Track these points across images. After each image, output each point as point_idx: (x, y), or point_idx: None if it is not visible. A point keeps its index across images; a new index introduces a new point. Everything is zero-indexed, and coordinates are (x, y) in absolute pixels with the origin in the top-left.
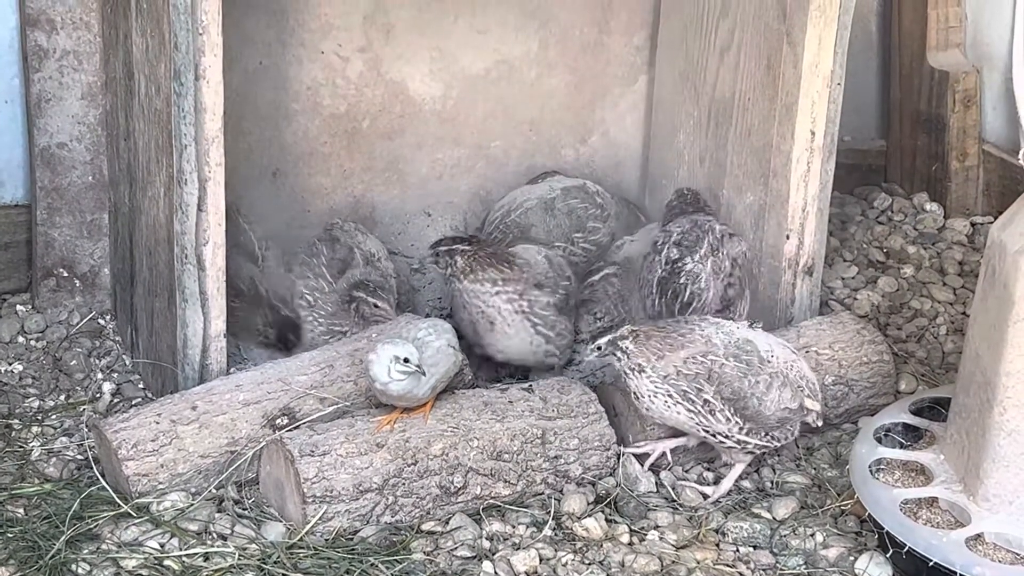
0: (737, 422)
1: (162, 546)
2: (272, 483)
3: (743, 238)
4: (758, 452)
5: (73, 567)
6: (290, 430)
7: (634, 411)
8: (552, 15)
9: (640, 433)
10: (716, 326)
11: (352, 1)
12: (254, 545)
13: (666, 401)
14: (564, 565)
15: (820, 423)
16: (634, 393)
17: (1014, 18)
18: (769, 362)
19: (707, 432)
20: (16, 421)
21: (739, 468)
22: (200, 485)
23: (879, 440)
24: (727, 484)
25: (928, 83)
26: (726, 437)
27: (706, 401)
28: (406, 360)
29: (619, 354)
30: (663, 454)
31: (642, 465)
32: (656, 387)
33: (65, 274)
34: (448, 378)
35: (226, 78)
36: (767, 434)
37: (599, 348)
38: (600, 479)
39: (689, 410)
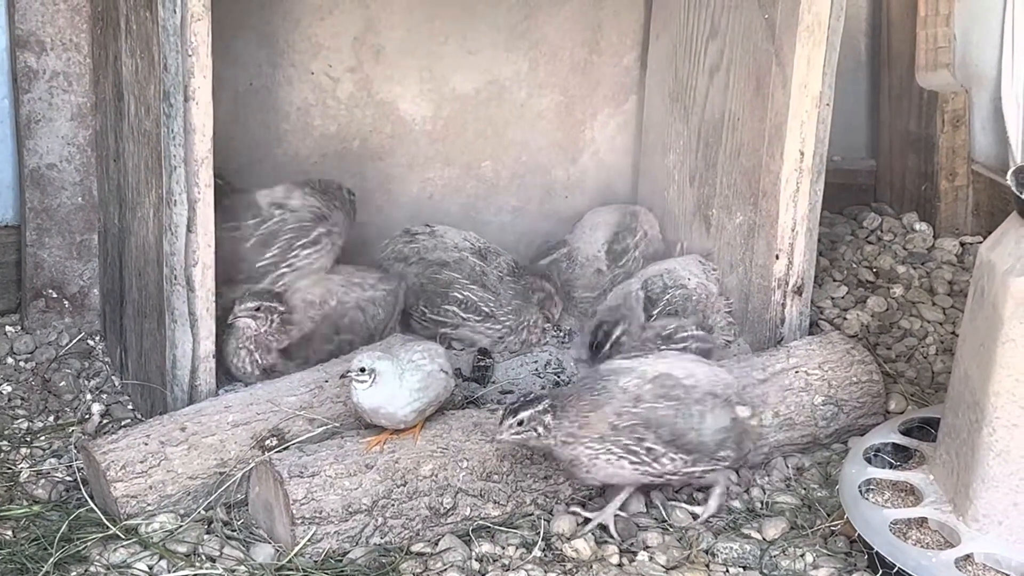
0: (682, 458)
1: (151, 568)
2: (261, 504)
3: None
4: (726, 469)
5: None
6: (279, 451)
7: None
8: (542, 36)
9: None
10: (627, 372)
11: (342, 22)
12: (243, 567)
13: (608, 459)
14: None
15: (758, 420)
16: (571, 462)
17: (1003, 39)
18: (696, 387)
19: (653, 476)
20: (5, 442)
21: (721, 486)
22: (189, 506)
23: (869, 460)
24: (714, 503)
25: (917, 103)
26: (673, 475)
27: (649, 448)
28: (362, 370)
29: (540, 430)
30: (614, 517)
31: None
32: (595, 450)
33: (54, 295)
34: (439, 403)
35: (216, 99)
36: (711, 458)
37: (520, 423)
38: (590, 500)
39: (633, 462)
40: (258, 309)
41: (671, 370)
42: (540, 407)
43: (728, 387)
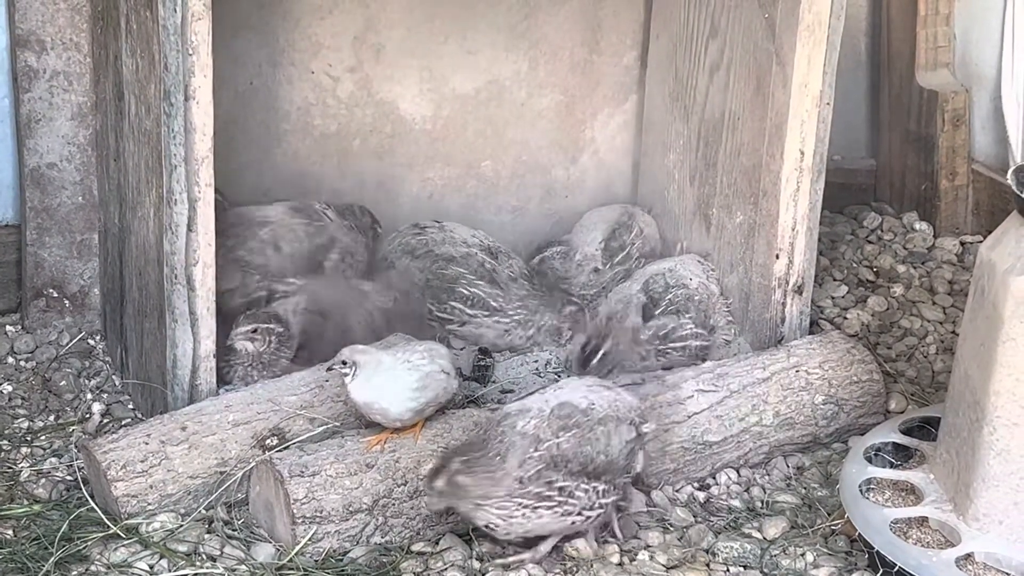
0: (595, 487)
1: (151, 567)
2: (262, 504)
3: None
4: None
5: None
6: (280, 450)
7: None
8: (542, 35)
9: None
10: (521, 414)
11: (342, 21)
12: (244, 566)
13: (524, 513)
14: None
15: (651, 428)
16: (487, 526)
17: (1003, 38)
18: (593, 409)
19: (574, 516)
20: (5, 442)
21: (555, 537)
22: (190, 506)
23: (869, 460)
24: (545, 548)
25: (917, 103)
26: (590, 509)
27: (561, 488)
28: (343, 363)
29: (460, 492)
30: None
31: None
32: (506, 508)
33: (55, 294)
34: (438, 403)
35: (216, 98)
36: (619, 476)
37: (439, 493)
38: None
39: (550, 506)
40: (255, 331)
41: (569, 397)
42: (452, 468)
43: (632, 410)
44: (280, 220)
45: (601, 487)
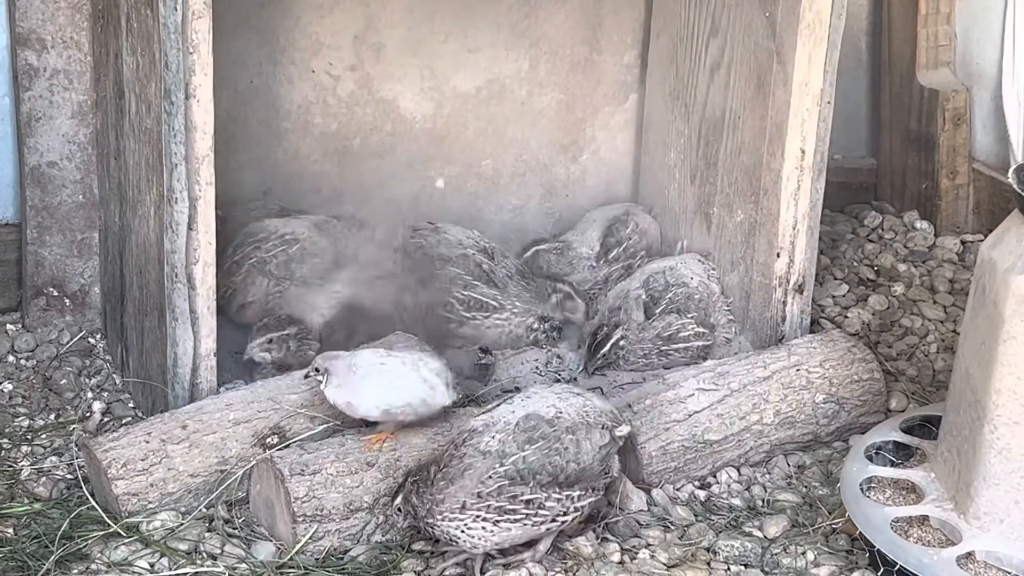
0: (568, 495)
1: (152, 566)
2: (262, 502)
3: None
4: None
5: None
6: (280, 449)
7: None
8: (543, 34)
9: None
10: (486, 430)
11: (342, 20)
12: (244, 565)
13: (484, 526)
14: None
15: (625, 431)
16: (447, 539)
17: (1003, 37)
18: (560, 418)
19: (544, 523)
20: (6, 440)
21: (550, 537)
22: (190, 504)
23: (870, 458)
24: (543, 547)
25: (918, 102)
26: (565, 515)
27: (528, 501)
28: (316, 370)
29: (412, 511)
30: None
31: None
32: (462, 522)
33: (55, 293)
34: (415, 413)
35: (216, 97)
36: (596, 481)
37: (399, 511)
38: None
39: (514, 520)
40: (270, 342)
41: (535, 407)
42: (406, 488)
43: (603, 414)
44: (308, 238)
45: (576, 493)
